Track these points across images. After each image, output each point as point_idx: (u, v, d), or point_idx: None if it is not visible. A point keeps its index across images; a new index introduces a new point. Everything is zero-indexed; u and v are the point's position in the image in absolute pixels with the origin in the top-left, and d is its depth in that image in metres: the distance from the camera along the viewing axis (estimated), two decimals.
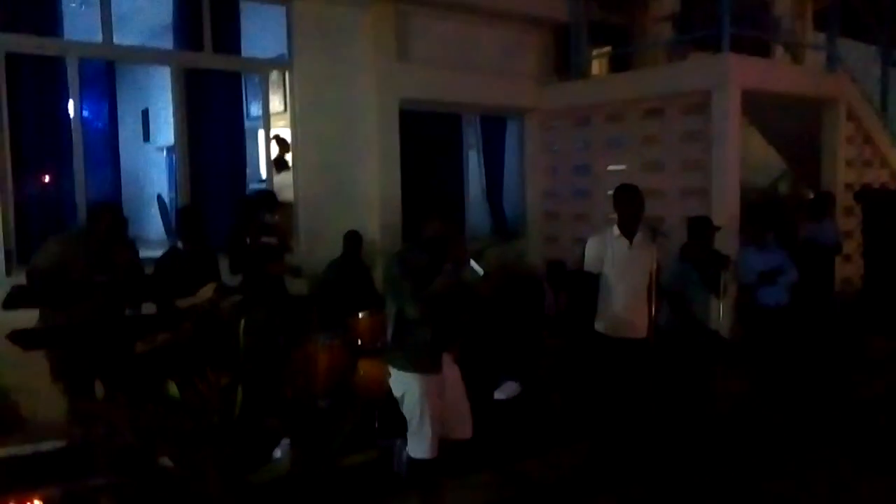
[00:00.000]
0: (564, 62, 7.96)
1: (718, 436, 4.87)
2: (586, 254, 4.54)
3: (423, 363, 3.50)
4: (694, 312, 4.86)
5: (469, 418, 3.66)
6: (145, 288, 4.44)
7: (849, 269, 7.41)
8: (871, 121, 7.67)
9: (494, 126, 8.27)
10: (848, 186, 7.32)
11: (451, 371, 3.66)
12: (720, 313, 5.46)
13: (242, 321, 3.72)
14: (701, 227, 5.14)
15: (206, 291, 4.67)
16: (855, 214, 7.24)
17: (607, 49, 8.57)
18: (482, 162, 8.30)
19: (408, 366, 3.53)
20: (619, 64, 8.44)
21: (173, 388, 2.71)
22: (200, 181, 6.25)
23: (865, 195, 6.99)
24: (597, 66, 8.51)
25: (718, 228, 5.27)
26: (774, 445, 4.83)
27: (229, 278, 5.23)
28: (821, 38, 8.03)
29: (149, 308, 4.62)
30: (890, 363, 5.56)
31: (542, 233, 8.06)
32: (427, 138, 7.61)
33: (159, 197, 8.92)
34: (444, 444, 3.63)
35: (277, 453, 3.02)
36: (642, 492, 4.15)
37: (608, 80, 8.07)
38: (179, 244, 5.14)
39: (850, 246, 7.38)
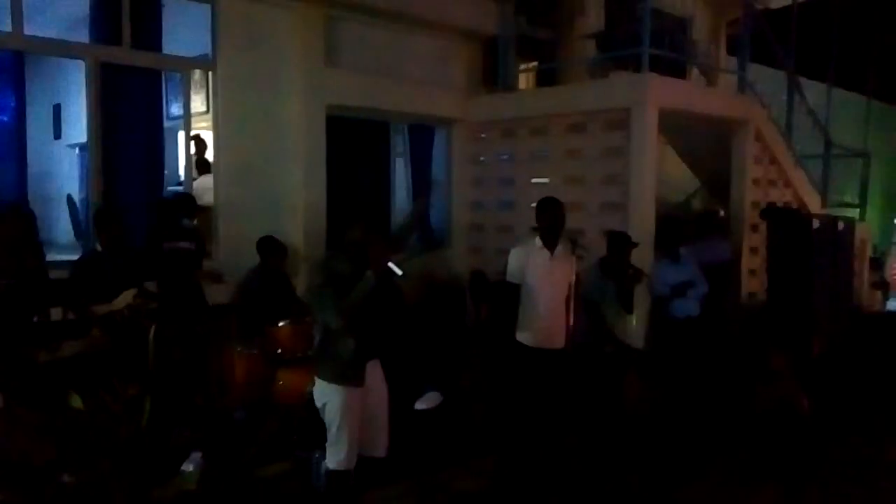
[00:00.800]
0: (492, 75, 8.08)
1: (631, 444, 5.03)
2: (509, 264, 4.62)
3: (346, 375, 3.48)
4: (609, 324, 5.01)
5: (387, 437, 3.66)
6: (55, 293, 4.22)
7: (754, 283, 7.80)
8: (777, 142, 8.11)
9: (422, 135, 8.30)
10: (754, 204, 7.71)
11: (378, 385, 3.65)
12: (635, 325, 5.65)
13: (152, 329, 3.59)
14: (620, 243, 5.31)
15: (126, 297, 4.50)
16: (760, 231, 7.63)
17: (534, 64, 8.75)
18: (409, 171, 8.31)
19: (331, 377, 3.50)
20: (545, 79, 8.63)
21: (77, 400, 2.58)
22: (114, 182, 5.99)
23: (770, 213, 7.36)
24: (524, 81, 8.68)
25: (636, 245, 5.45)
26: (682, 453, 5.03)
27: (152, 284, 5.04)
28: (733, 62, 8.44)
29: (58, 314, 4.40)
30: (789, 374, 5.88)
31: (467, 243, 8.13)
32: (354, 145, 7.56)
33: (69, 197, 8.49)
34: (358, 460, 3.62)
35: (189, 466, 2.92)
36: (559, 501, 4.24)
37: (534, 94, 8.24)
38: (98, 247, 4.91)
39: (756, 261, 7.79)
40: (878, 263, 10.23)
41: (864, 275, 8.49)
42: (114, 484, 2.37)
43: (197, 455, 2.92)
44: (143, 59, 6.06)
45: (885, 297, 9.81)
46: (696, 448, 5.13)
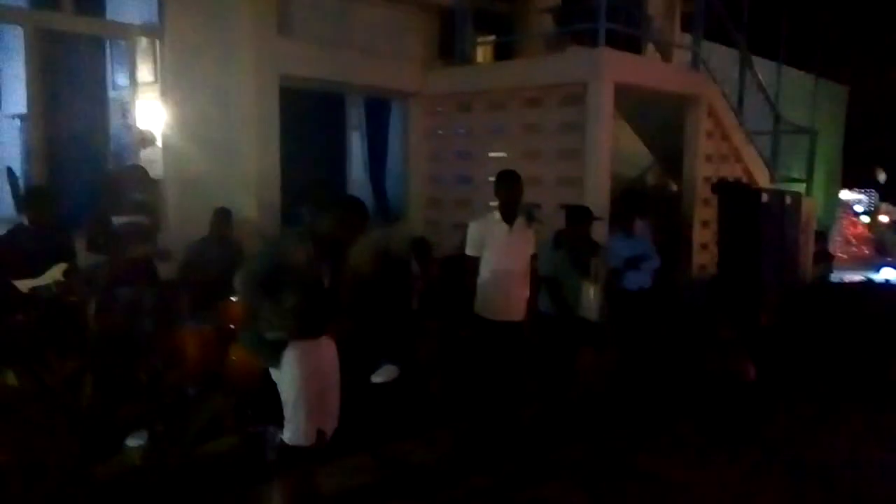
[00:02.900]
0: (449, 48, 8.00)
1: (587, 413, 5.13)
2: (468, 237, 4.62)
3: (261, 353, 3.44)
4: (565, 297, 5.05)
5: (337, 411, 3.65)
6: None
7: (705, 256, 7.98)
8: (729, 118, 8.26)
9: (379, 108, 8.18)
10: (706, 179, 7.86)
11: (330, 361, 3.62)
12: (591, 297, 5.71)
13: (91, 304, 3.48)
14: (579, 216, 5.27)
15: (55, 273, 4.35)
16: (711, 206, 7.79)
17: (492, 37, 8.69)
18: (366, 144, 8.21)
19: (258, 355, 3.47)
20: (503, 53, 8.59)
21: (11, 377, 2.48)
22: (58, 154, 5.78)
23: (721, 188, 7.51)
24: (481, 54, 8.61)
25: (599, 219, 5.46)
26: (635, 421, 5.16)
27: (86, 259, 4.87)
28: (687, 38, 8.53)
29: None
30: (736, 343, 6.06)
31: (424, 217, 8.10)
32: (309, 117, 7.42)
33: (9, 170, 8.15)
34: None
35: (133, 442, 2.85)
36: (515, 470, 4.30)
37: (491, 68, 8.19)
38: (25, 221, 4.73)
39: (707, 235, 7.96)
40: (822, 237, 10.56)
41: (810, 247, 8.75)
42: (51, 461, 2.29)
43: (142, 432, 2.86)
44: (85, 26, 5.82)
45: (829, 269, 10.14)
46: (648, 415, 5.26)
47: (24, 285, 4.25)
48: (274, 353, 3.38)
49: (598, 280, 5.07)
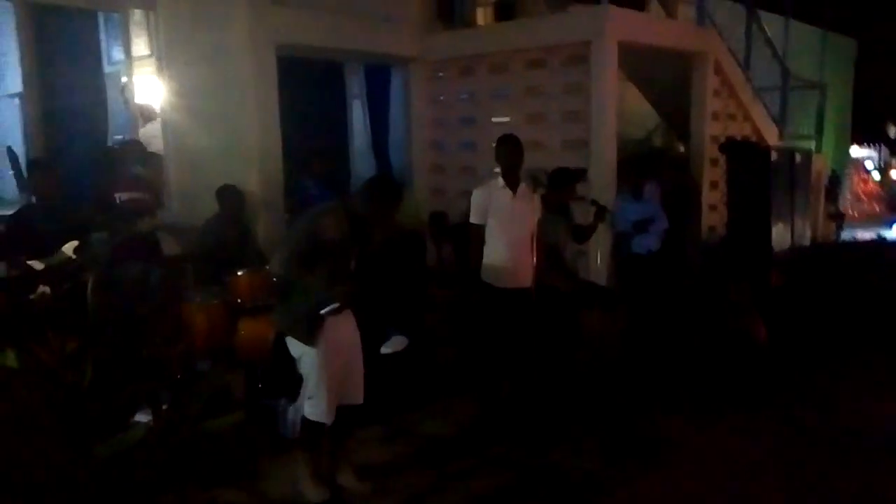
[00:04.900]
0: (449, 10, 7.83)
1: (596, 380, 5.11)
2: (472, 204, 4.56)
3: (298, 330, 3.41)
4: (566, 261, 4.98)
5: (362, 383, 3.63)
6: None
7: (714, 217, 7.89)
8: (736, 76, 8.09)
9: (379, 75, 8.05)
10: (714, 138, 7.73)
11: (351, 335, 3.60)
12: (598, 261, 5.67)
13: (90, 281, 3.44)
14: (561, 178, 5.17)
15: (67, 251, 4.30)
16: (720, 166, 7.67)
17: None
18: (367, 112, 8.09)
19: (291, 331, 3.45)
20: (503, 13, 8.40)
21: (11, 357, 2.45)
22: (55, 131, 5.72)
23: (730, 147, 7.39)
24: (481, 16, 8.43)
25: (583, 173, 5.30)
26: (646, 386, 5.13)
27: (101, 236, 4.84)
28: None
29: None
30: (747, 305, 6.00)
31: (428, 185, 8.01)
32: (309, 87, 7.32)
33: (10, 150, 8.08)
34: (338, 409, 3.61)
35: (138, 419, 2.85)
36: (527, 437, 4.29)
37: (492, 30, 8.02)
38: (33, 199, 4.69)
39: (715, 196, 7.85)
40: (833, 195, 10.43)
41: (820, 206, 8.64)
42: (52, 441, 2.28)
43: (147, 409, 2.85)
44: None
45: (840, 228, 10.04)
46: (658, 378, 5.23)
47: (37, 264, 4.21)
48: (311, 330, 3.37)
49: (603, 244, 4.99)
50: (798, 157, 7.71)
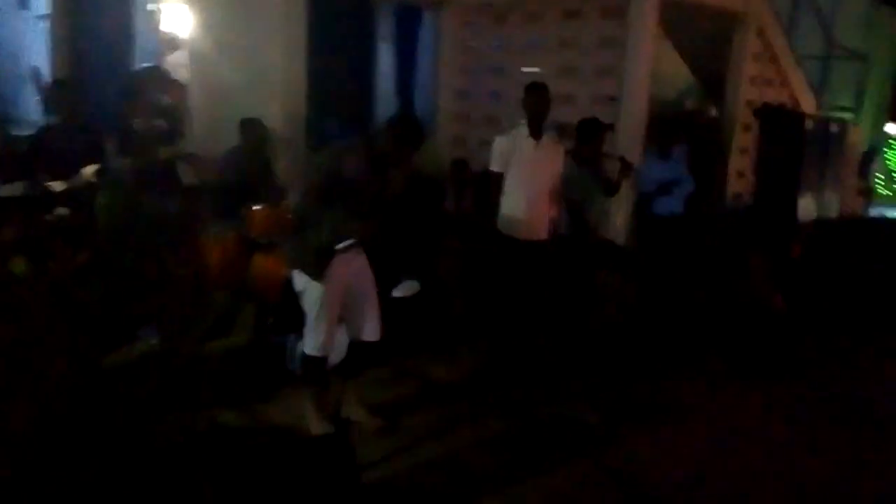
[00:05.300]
0: None
1: (610, 339, 5.08)
2: (493, 151, 4.48)
3: (308, 264, 3.40)
4: (588, 219, 4.90)
5: (378, 320, 3.62)
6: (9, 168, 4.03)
7: (741, 184, 7.72)
8: (779, 40, 7.81)
9: (410, 18, 7.89)
10: (749, 103, 7.51)
11: (363, 272, 3.58)
12: (617, 220, 5.57)
13: (98, 199, 3.43)
14: (590, 130, 5.02)
15: (87, 174, 4.30)
16: (752, 132, 7.47)
17: None
18: (395, 56, 7.96)
19: (302, 266, 3.44)
20: None
21: (20, 264, 2.47)
22: (81, 55, 5.68)
23: (764, 113, 7.18)
24: None
25: (611, 126, 5.15)
26: (662, 349, 5.09)
27: (116, 161, 4.83)
28: None
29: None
30: (765, 274, 5.91)
31: (451, 133, 7.90)
32: (338, 27, 7.18)
33: (36, 70, 8.08)
34: (351, 345, 3.63)
35: (145, 334, 2.87)
36: (535, 388, 4.30)
37: None
38: (55, 121, 4.67)
39: (744, 162, 7.67)
40: (865, 170, 10.16)
41: (851, 180, 8.42)
42: (57, 348, 2.31)
43: (151, 328, 2.87)
44: None
45: (868, 205, 9.80)
46: (672, 343, 5.19)
47: (57, 185, 4.22)
48: (319, 265, 3.36)
49: (625, 204, 4.89)
50: (834, 128, 7.48)
